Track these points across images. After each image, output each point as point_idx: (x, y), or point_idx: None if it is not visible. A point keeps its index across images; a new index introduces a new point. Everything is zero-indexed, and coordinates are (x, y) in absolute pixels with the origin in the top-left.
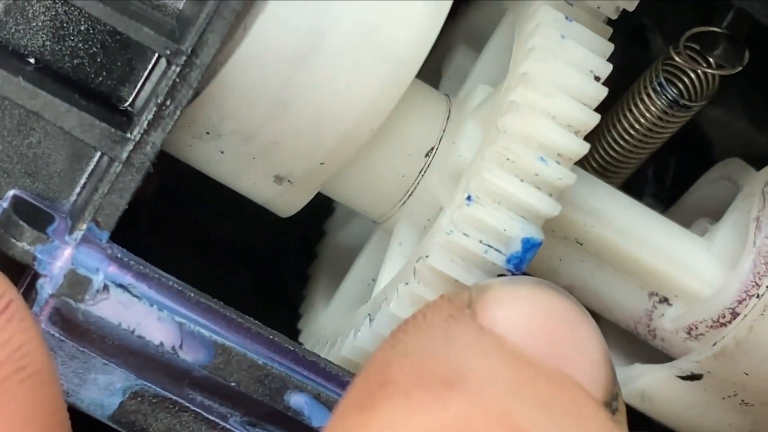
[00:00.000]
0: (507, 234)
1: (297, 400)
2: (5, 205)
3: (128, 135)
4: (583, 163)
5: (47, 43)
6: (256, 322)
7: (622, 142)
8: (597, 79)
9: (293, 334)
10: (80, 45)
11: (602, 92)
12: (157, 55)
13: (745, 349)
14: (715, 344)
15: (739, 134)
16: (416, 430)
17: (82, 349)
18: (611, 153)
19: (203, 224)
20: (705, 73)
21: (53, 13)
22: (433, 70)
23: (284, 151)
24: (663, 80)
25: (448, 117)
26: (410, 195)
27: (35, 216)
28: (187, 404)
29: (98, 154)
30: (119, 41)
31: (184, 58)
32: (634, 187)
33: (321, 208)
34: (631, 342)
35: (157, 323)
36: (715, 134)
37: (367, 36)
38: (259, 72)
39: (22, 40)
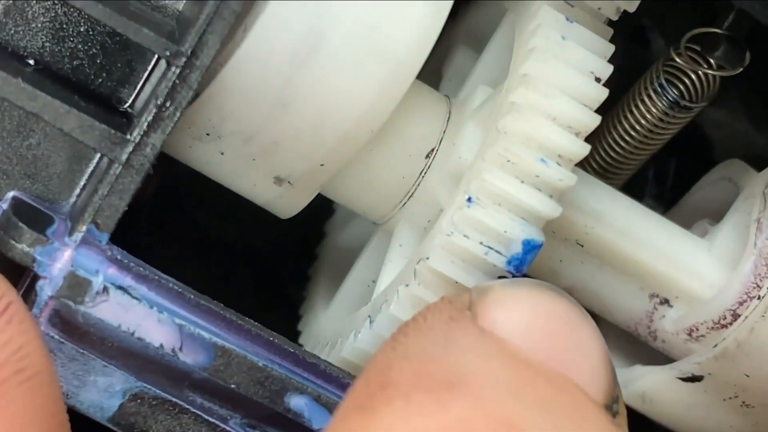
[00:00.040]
0: (507, 235)
1: (297, 402)
2: (5, 206)
3: (128, 136)
4: (583, 164)
5: (47, 44)
6: (256, 323)
7: (622, 144)
8: (598, 80)
9: (293, 335)
10: (80, 46)
11: (603, 93)
12: (156, 56)
13: (746, 350)
14: (715, 346)
15: (740, 135)
16: None
17: (81, 351)
18: (612, 154)
19: (203, 225)
20: (706, 74)
21: (53, 14)
22: (433, 71)
23: (284, 151)
24: (664, 81)
25: (449, 118)
26: (410, 196)
27: (35, 217)
28: (187, 406)
29: (98, 155)
30: (119, 42)
31: (183, 59)
32: (634, 188)
33: (321, 209)
34: (631, 343)
35: (156, 325)
36: (715, 135)
37: (368, 36)
38: (259, 72)
39: (21, 42)
